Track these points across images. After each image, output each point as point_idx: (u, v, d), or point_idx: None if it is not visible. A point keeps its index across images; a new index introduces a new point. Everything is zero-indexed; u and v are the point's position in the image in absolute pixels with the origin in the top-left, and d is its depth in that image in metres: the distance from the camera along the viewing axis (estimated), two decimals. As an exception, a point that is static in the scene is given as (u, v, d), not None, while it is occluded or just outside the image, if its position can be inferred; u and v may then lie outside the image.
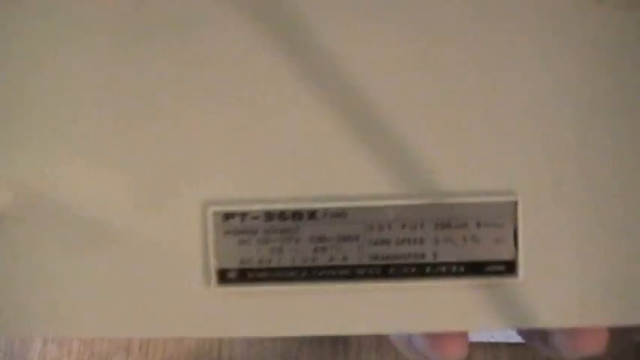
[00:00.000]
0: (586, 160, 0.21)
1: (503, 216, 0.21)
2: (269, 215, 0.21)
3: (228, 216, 0.21)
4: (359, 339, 0.45)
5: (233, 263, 0.22)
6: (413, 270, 0.21)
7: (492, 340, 0.43)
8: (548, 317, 0.21)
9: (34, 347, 0.47)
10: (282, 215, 0.21)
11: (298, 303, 0.22)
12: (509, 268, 0.21)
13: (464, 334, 0.23)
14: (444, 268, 0.21)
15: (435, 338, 0.23)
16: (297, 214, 0.21)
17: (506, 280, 0.21)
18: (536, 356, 0.43)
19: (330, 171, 0.21)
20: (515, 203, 0.21)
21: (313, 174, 0.21)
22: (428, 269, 0.21)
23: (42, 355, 0.47)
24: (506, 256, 0.21)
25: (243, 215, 0.21)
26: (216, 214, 0.21)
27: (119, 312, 0.22)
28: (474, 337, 0.44)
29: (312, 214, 0.21)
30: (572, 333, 0.22)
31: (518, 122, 0.21)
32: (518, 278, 0.21)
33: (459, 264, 0.21)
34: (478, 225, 0.21)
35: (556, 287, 0.21)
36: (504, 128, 0.21)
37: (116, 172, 0.22)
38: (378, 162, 0.21)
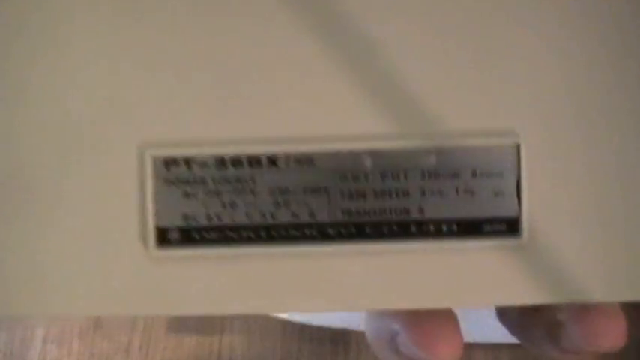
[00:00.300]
0: (599, 98, 0.18)
1: (504, 163, 0.17)
2: (220, 162, 0.18)
3: (169, 162, 0.18)
4: (359, 339, 0.44)
5: (175, 221, 0.18)
6: (394, 229, 0.17)
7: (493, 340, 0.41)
8: (557, 288, 0.17)
9: (34, 347, 0.46)
10: (235, 161, 0.18)
11: (255, 269, 0.18)
12: (512, 227, 0.17)
13: (457, 330, 0.19)
14: (432, 227, 0.17)
15: (424, 335, 0.19)
16: (254, 161, 0.18)
17: (508, 242, 0.17)
18: (537, 357, 0.40)
19: (294, 107, 0.18)
20: (518, 147, 0.17)
21: (274, 111, 0.18)
22: (413, 228, 0.17)
23: (42, 355, 0.46)
24: (508, 213, 0.17)
25: (189, 161, 0.18)
26: (155, 159, 0.18)
27: (49, 285, 0.18)
28: (474, 338, 0.41)
29: (273, 161, 0.18)
30: (587, 322, 0.18)
31: (518, 51, 0.18)
32: (521, 239, 0.17)
33: (450, 222, 0.17)
34: (473, 174, 0.17)
35: (567, 251, 0.17)
36: (502, 57, 0.17)
37: (36, 114, 0.18)
38: (352, 97, 0.17)
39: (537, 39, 0.18)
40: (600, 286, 0.18)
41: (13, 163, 0.18)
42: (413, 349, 0.19)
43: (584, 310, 0.19)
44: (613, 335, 0.18)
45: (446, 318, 0.19)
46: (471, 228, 0.17)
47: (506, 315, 0.22)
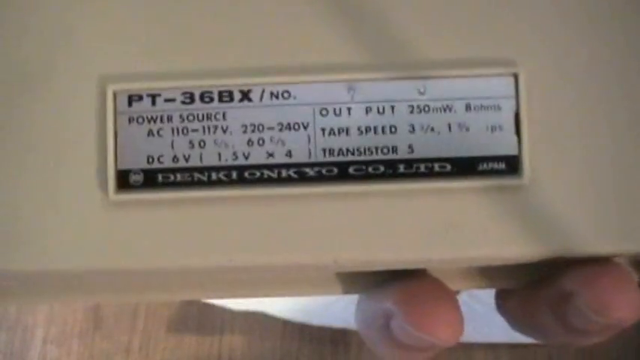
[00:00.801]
0: (603, 23, 0.16)
1: (500, 95, 0.16)
2: (188, 96, 0.16)
3: (133, 98, 0.16)
4: (359, 339, 0.42)
5: (138, 162, 0.16)
6: (381, 169, 0.16)
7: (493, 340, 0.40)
8: (560, 237, 0.16)
9: (34, 347, 0.46)
10: (205, 96, 0.16)
11: (226, 215, 0.16)
12: (511, 165, 0.16)
13: (457, 309, 0.17)
14: (422, 167, 0.16)
15: (422, 315, 0.17)
16: (225, 95, 0.16)
17: (507, 182, 0.16)
18: (537, 357, 0.40)
19: (268, 35, 0.16)
20: (516, 76, 0.16)
21: (246, 39, 0.16)
22: (401, 168, 0.16)
23: (42, 355, 0.46)
24: (506, 150, 0.16)
25: (154, 96, 0.16)
26: (117, 94, 0.16)
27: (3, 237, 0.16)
28: (474, 338, 0.40)
29: (246, 94, 0.16)
30: (598, 289, 0.16)
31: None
32: (522, 179, 0.16)
33: (442, 160, 0.16)
34: (467, 107, 0.16)
35: (573, 193, 0.16)
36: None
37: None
38: (331, 22, 0.16)
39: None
40: (609, 236, 0.16)
41: None
42: (409, 331, 0.17)
43: (594, 276, 0.17)
44: (626, 305, 0.16)
45: (444, 295, 0.17)
46: (465, 167, 0.16)
47: (507, 302, 0.20)
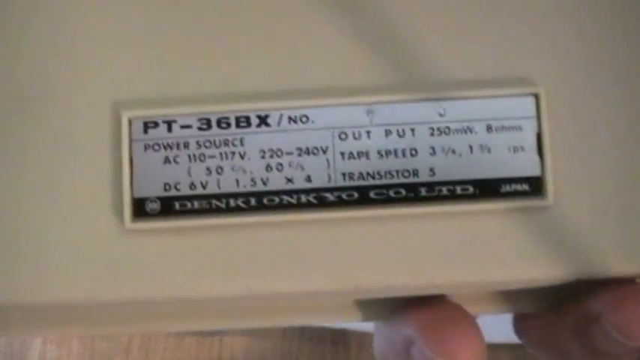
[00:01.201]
0: (623, 44, 0.16)
1: (521, 115, 0.16)
2: (205, 122, 0.16)
3: (148, 124, 0.16)
4: (359, 339, 0.44)
5: (154, 190, 0.16)
6: (402, 192, 0.15)
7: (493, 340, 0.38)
8: (586, 258, 0.15)
9: (33, 347, 0.46)
10: (222, 121, 0.16)
11: (245, 242, 0.15)
12: (534, 186, 0.15)
13: (479, 334, 0.17)
14: (444, 190, 0.15)
15: (444, 341, 0.16)
16: (242, 120, 0.16)
17: (530, 203, 0.15)
18: (537, 357, 0.38)
19: (286, 58, 0.16)
20: (537, 96, 0.16)
21: (263, 63, 0.16)
22: (423, 191, 0.15)
23: (42, 355, 0.46)
24: (529, 171, 0.15)
25: (170, 123, 0.16)
26: (132, 121, 0.16)
27: (12, 270, 0.15)
28: None
29: (263, 119, 0.16)
30: (625, 310, 0.16)
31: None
32: (546, 200, 0.15)
33: (464, 183, 0.15)
34: (488, 128, 0.16)
35: (598, 214, 0.15)
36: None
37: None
38: (349, 44, 0.16)
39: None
40: (634, 257, 0.15)
41: None
42: (430, 357, 0.16)
43: (621, 297, 0.16)
44: None
45: (464, 320, 0.17)
46: (487, 189, 0.15)
47: (526, 326, 0.19)
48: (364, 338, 0.44)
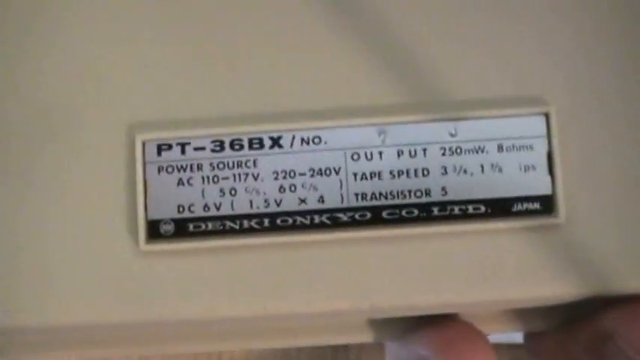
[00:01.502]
0: (631, 63, 0.16)
1: (532, 134, 0.16)
2: (218, 144, 0.16)
3: (162, 147, 0.16)
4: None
5: (168, 212, 0.16)
6: (415, 212, 0.16)
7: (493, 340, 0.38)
8: (602, 275, 0.15)
9: None
10: (235, 143, 0.16)
11: (260, 263, 0.16)
12: (546, 205, 0.16)
13: (491, 352, 0.17)
14: (456, 209, 0.16)
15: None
16: (255, 142, 0.16)
17: (543, 222, 0.15)
18: None
19: (297, 79, 0.16)
20: (547, 115, 0.16)
21: (275, 85, 0.16)
22: (435, 210, 0.16)
23: None
24: (541, 190, 0.16)
25: (184, 145, 0.16)
26: (146, 143, 0.16)
27: (26, 293, 0.16)
28: None
29: (276, 141, 0.16)
30: (637, 325, 0.16)
31: (543, 14, 0.16)
32: (558, 218, 0.15)
33: (476, 202, 0.16)
34: (499, 148, 0.16)
35: (611, 232, 0.15)
36: (526, 19, 0.16)
37: (14, 92, 0.16)
38: (359, 65, 0.16)
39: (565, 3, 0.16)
40: None
41: None
42: None
43: (635, 315, 0.16)
44: None
45: (478, 339, 0.17)
46: (499, 208, 0.15)
47: (538, 344, 0.19)
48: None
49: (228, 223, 0.16)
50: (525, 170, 0.16)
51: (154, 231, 0.16)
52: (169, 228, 0.16)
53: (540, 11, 0.16)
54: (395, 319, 0.18)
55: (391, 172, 0.16)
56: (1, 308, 0.16)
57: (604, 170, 0.16)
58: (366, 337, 0.18)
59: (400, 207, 0.16)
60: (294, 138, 0.16)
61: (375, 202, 0.16)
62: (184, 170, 0.16)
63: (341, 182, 0.16)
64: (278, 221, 0.16)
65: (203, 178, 0.16)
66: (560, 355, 0.19)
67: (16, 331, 0.16)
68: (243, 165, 0.16)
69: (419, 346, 0.17)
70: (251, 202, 0.16)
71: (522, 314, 0.18)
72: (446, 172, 0.16)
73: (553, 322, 0.18)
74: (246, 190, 0.16)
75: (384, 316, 0.17)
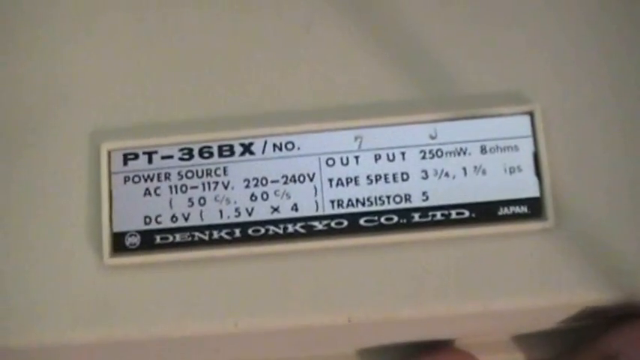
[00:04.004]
0: (614, 63, 0.15)
1: (517, 134, 0.15)
2: (186, 152, 0.15)
3: (128, 156, 0.15)
4: None
5: (134, 223, 0.15)
6: (394, 219, 0.15)
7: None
8: (593, 283, 0.14)
9: None
10: (204, 151, 0.15)
11: (231, 276, 0.15)
12: (533, 208, 0.15)
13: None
14: (438, 214, 0.15)
15: None
16: (225, 149, 0.15)
17: (530, 226, 0.14)
18: None
19: (268, 82, 0.15)
20: (532, 114, 0.15)
21: (245, 89, 0.15)
22: (416, 216, 0.15)
23: None
24: (527, 192, 0.15)
25: (151, 154, 0.15)
26: (112, 152, 0.15)
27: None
28: None
29: (247, 148, 0.15)
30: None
31: (526, 9, 0.15)
32: (546, 222, 0.14)
33: (459, 207, 0.15)
34: (482, 149, 0.15)
35: (602, 235, 0.14)
36: (508, 15, 0.15)
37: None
38: (336, 66, 0.15)
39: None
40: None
41: None
42: None
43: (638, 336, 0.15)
44: None
45: None
46: (484, 212, 0.15)
47: None
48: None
49: (197, 234, 0.15)
50: (511, 172, 0.15)
51: (119, 244, 0.15)
52: (135, 240, 0.15)
53: (524, 8, 0.15)
54: (387, 348, 0.17)
55: (368, 177, 0.15)
56: None
57: (593, 170, 0.15)
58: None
59: (379, 213, 0.15)
60: (265, 144, 0.15)
61: (351, 209, 0.15)
62: (151, 180, 0.15)
63: (315, 189, 0.15)
64: (250, 231, 0.15)
65: (171, 187, 0.15)
66: None
67: None
68: (213, 173, 0.15)
69: None
70: (221, 211, 0.15)
71: (523, 341, 0.17)
72: (426, 176, 0.15)
73: (555, 348, 0.17)
74: (215, 199, 0.15)
75: (365, 332, 0.16)
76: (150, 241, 0.15)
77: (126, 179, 0.15)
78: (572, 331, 0.16)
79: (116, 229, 0.15)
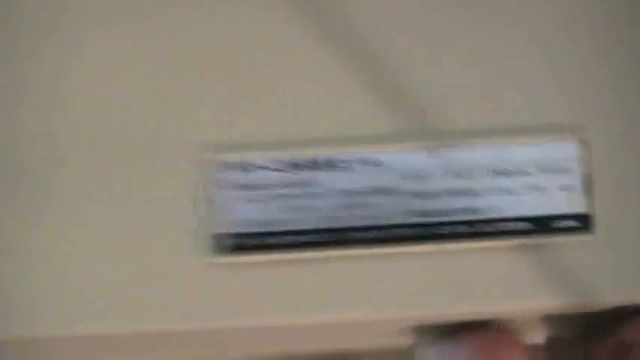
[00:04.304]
0: None
1: (571, 157, 0.17)
2: (281, 164, 0.17)
3: (228, 166, 0.17)
4: None
5: (232, 227, 0.17)
6: (466, 229, 0.17)
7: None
8: (632, 287, 0.17)
9: None
10: (298, 164, 0.17)
11: (322, 274, 0.17)
12: (583, 222, 0.17)
13: (524, 351, 0.18)
14: (501, 226, 0.17)
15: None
16: (316, 163, 0.17)
17: (579, 239, 0.17)
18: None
19: (354, 109, 0.17)
20: (584, 140, 0.17)
21: (334, 113, 0.17)
22: (483, 227, 0.17)
23: None
24: (578, 208, 0.17)
25: (247, 165, 0.17)
26: (212, 163, 0.17)
27: (96, 300, 0.16)
28: None
29: (336, 163, 0.17)
30: None
31: (579, 44, 0.18)
32: (594, 235, 0.17)
33: (520, 220, 0.17)
34: (541, 170, 0.17)
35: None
36: (563, 51, 0.18)
37: (91, 116, 0.17)
38: (414, 96, 0.17)
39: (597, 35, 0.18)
40: None
41: (55, 162, 0.17)
42: None
43: None
44: None
45: (515, 345, 0.18)
46: (540, 225, 0.17)
47: (557, 355, 0.21)
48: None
49: (289, 238, 0.17)
50: (564, 190, 0.17)
51: (218, 245, 0.17)
52: (233, 242, 0.17)
53: (576, 41, 0.18)
54: (428, 326, 0.19)
55: (443, 192, 0.17)
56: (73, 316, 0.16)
57: (637, 189, 0.17)
58: (402, 339, 0.19)
59: (451, 224, 0.17)
60: (353, 160, 0.17)
61: (428, 219, 0.17)
62: (248, 188, 0.17)
63: (397, 201, 0.17)
64: (338, 237, 0.17)
65: (266, 196, 0.17)
66: None
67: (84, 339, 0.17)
68: (305, 184, 0.17)
69: (457, 351, 0.18)
70: (310, 218, 0.17)
71: (547, 322, 0.20)
72: (493, 193, 0.17)
73: (573, 330, 0.19)
74: (306, 207, 0.17)
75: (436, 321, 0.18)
76: (246, 243, 0.17)
77: (225, 187, 0.17)
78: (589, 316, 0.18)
79: (216, 231, 0.17)
